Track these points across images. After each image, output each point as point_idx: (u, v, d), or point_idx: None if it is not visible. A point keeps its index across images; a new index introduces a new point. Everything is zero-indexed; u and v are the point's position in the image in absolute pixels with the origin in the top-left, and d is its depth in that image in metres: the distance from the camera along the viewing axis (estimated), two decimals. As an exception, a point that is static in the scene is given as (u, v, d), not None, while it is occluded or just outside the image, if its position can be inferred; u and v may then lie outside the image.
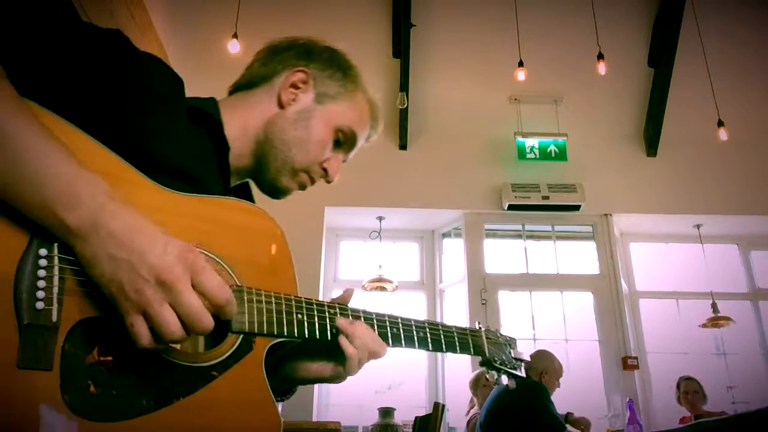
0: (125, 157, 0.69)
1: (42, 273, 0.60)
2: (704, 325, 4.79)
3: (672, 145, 5.24)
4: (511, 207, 5.00)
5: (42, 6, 0.68)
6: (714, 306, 4.77)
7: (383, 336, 0.89)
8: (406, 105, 4.84)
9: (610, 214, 5.16)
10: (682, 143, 5.24)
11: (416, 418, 2.53)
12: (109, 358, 0.63)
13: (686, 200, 5.14)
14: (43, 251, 0.60)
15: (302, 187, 1.02)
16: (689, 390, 4.17)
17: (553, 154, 5.04)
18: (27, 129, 0.59)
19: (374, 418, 3.61)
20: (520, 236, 5.27)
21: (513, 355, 1.13)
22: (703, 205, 5.13)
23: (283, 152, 0.96)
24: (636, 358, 4.73)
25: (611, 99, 5.23)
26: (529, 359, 1.18)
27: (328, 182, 1.02)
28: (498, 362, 1.09)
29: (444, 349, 0.98)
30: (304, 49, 1.02)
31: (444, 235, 5.42)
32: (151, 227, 0.63)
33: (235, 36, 3.99)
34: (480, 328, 1.08)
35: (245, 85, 1.01)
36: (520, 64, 4.39)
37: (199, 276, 0.63)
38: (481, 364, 1.09)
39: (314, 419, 4.32)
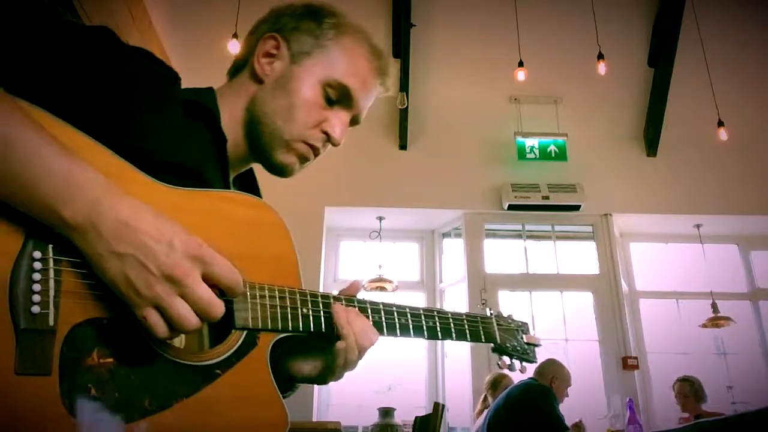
0: (122, 155, 0.68)
1: (37, 276, 0.58)
2: (704, 325, 4.79)
3: (672, 145, 5.24)
4: (511, 207, 5.00)
5: (29, 7, 0.68)
6: (714, 306, 4.77)
7: (390, 326, 0.87)
8: (406, 105, 4.84)
9: (610, 214, 5.16)
10: (682, 143, 5.24)
11: (416, 418, 2.53)
12: (110, 360, 0.62)
13: (686, 200, 5.14)
14: (37, 254, 0.59)
15: (304, 159, 0.93)
16: (681, 392, 4.17)
17: (553, 154, 5.04)
18: (18, 126, 0.58)
19: (374, 418, 3.61)
20: (520, 236, 5.27)
21: (525, 340, 1.10)
22: (703, 205, 5.13)
23: (269, 126, 0.90)
24: (636, 358, 4.73)
25: (611, 99, 5.23)
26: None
27: (335, 145, 0.93)
28: (510, 348, 1.05)
29: (454, 338, 0.95)
30: (275, 15, 0.96)
31: (444, 235, 5.42)
32: (153, 218, 0.62)
33: (235, 36, 3.98)
34: (491, 314, 1.04)
35: (231, 72, 0.99)
36: (520, 64, 4.39)
37: (209, 266, 0.64)
38: (494, 350, 1.06)
39: (314, 419, 4.32)
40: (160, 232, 0.62)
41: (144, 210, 0.62)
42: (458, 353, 4.89)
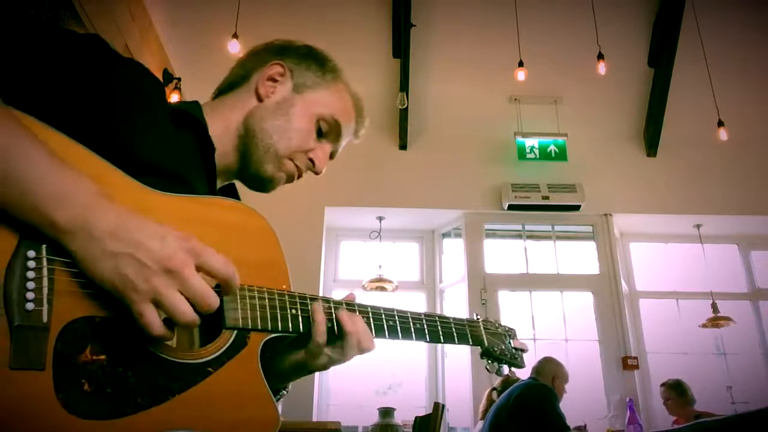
0: (110, 156, 0.69)
1: (31, 274, 0.60)
2: (704, 325, 4.79)
3: (672, 145, 5.24)
4: (511, 207, 5.00)
5: (19, 14, 0.68)
6: (714, 306, 4.77)
7: (378, 328, 0.89)
8: (406, 105, 4.84)
9: (610, 214, 5.16)
10: (682, 143, 5.24)
11: (416, 418, 2.53)
12: (102, 357, 0.63)
13: (686, 200, 5.14)
14: (31, 253, 0.60)
15: (290, 177, 1.01)
16: (663, 397, 4.18)
17: (553, 154, 5.04)
18: (11, 133, 0.59)
19: (374, 418, 3.61)
20: (520, 236, 5.27)
21: (513, 345, 1.12)
22: (703, 205, 5.13)
23: (264, 140, 0.96)
24: (636, 358, 4.73)
25: (611, 99, 5.23)
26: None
27: (316, 173, 1.02)
28: (498, 352, 1.08)
29: (442, 340, 0.98)
30: (280, 46, 1.04)
31: (444, 235, 5.42)
32: (144, 220, 0.64)
33: (235, 36, 3.98)
34: (478, 319, 1.08)
35: (226, 88, 1.04)
36: (520, 64, 4.39)
37: (203, 258, 0.65)
38: (482, 355, 1.09)
39: (314, 419, 4.32)
40: (151, 229, 0.63)
41: (133, 213, 0.64)
42: (458, 354, 4.89)
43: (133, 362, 0.65)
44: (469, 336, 1.02)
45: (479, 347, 1.06)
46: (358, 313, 0.88)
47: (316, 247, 4.89)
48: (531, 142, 5.07)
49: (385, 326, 0.90)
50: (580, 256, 5.19)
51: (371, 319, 0.89)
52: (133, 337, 0.65)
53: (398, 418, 3.63)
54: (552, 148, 5.06)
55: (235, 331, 0.75)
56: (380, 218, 5.19)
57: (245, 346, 0.76)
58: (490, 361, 1.10)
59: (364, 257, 5.23)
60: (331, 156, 1.06)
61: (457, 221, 5.22)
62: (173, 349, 0.70)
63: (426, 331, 0.95)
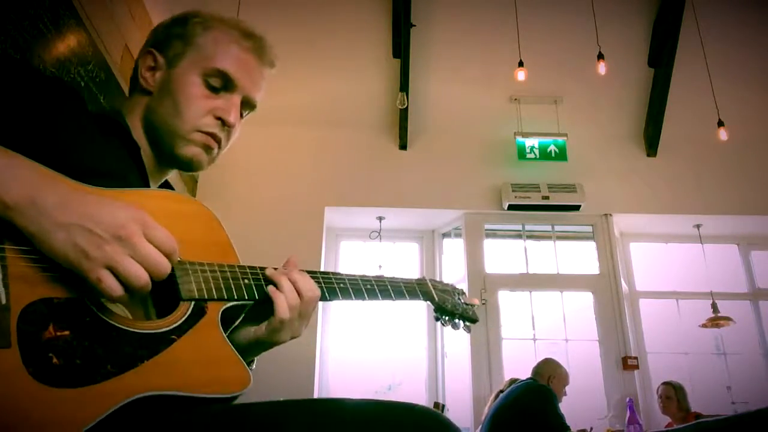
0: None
1: None
2: (704, 325, 4.79)
3: (672, 145, 5.24)
4: (511, 207, 5.00)
5: None
6: (714, 306, 4.77)
7: (331, 290, 0.92)
8: (406, 105, 4.83)
9: (610, 214, 5.16)
10: (682, 143, 5.24)
11: (416, 418, 2.52)
12: (66, 332, 0.64)
13: (686, 200, 5.14)
14: None
15: (207, 147, 0.98)
16: (662, 395, 4.18)
17: (553, 154, 5.04)
18: None
19: (374, 418, 3.60)
20: (520, 236, 5.27)
21: (464, 301, 1.17)
22: (703, 205, 5.13)
23: (163, 126, 0.96)
24: (636, 358, 4.73)
25: (611, 99, 5.23)
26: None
27: (229, 127, 0.97)
28: (450, 307, 1.12)
29: (393, 297, 1.01)
30: (151, 33, 1.04)
31: (444, 235, 5.42)
32: (90, 193, 0.67)
33: (235, 36, 3.98)
34: (423, 277, 1.12)
35: (129, 94, 1.05)
36: (520, 64, 4.39)
37: (150, 230, 0.68)
38: (435, 311, 1.13)
39: (314, 419, 4.32)
40: (99, 201, 0.66)
41: (79, 187, 0.68)
42: (458, 354, 4.89)
43: (97, 336, 0.66)
44: (419, 291, 1.07)
45: (431, 303, 1.10)
46: (308, 276, 0.90)
47: (316, 247, 4.89)
48: (531, 142, 5.07)
49: (337, 288, 0.93)
50: (580, 256, 5.19)
51: (322, 282, 0.92)
52: (94, 315, 0.67)
53: (398, 418, 3.62)
54: (552, 148, 5.06)
55: (192, 303, 0.77)
56: (380, 218, 5.19)
57: (204, 315, 0.78)
58: (445, 318, 1.14)
59: (364, 257, 5.23)
60: (248, 103, 1.01)
61: (457, 221, 5.22)
62: (133, 322, 0.72)
63: (377, 290, 0.98)
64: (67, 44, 2.99)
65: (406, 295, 1.03)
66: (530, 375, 3.65)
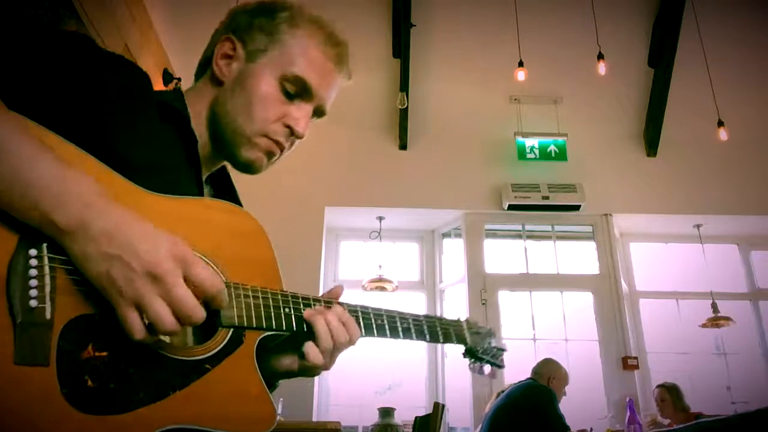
0: (100, 158, 0.70)
1: (33, 272, 0.60)
2: (704, 325, 4.79)
3: (672, 145, 5.24)
4: (511, 207, 5.00)
5: (12, 15, 0.70)
6: (714, 306, 4.77)
7: (367, 327, 0.90)
8: (406, 105, 4.84)
9: (610, 214, 5.16)
10: (682, 143, 5.24)
11: (416, 418, 2.53)
12: (104, 353, 0.64)
13: (686, 200, 5.14)
14: (33, 251, 0.61)
15: (270, 154, 0.94)
16: (657, 398, 4.19)
17: (553, 154, 5.04)
18: (12, 133, 0.60)
19: (374, 418, 3.61)
20: (520, 236, 5.27)
21: (494, 345, 1.16)
22: (703, 205, 5.13)
23: (230, 124, 0.91)
24: (636, 358, 4.73)
25: (611, 99, 5.23)
26: (506, 349, 1.22)
27: (298, 137, 0.93)
28: (480, 351, 1.12)
29: (427, 339, 1.00)
30: (231, 15, 0.97)
31: (444, 235, 5.42)
32: (141, 222, 0.64)
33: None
34: (459, 319, 1.11)
35: (196, 74, 1.00)
36: (520, 64, 4.39)
37: (191, 268, 0.65)
38: (465, 353, 1.12)
39: (314, 419, 4.32)
40: (145, 233, 0.63)
41: (133, 215, 0.64)
42: (458, 354, 4.88)
43: (134, 359, 0.66)
44: (453, 334, 1.05)
45: (462, 346, 1.09)
46: (347, 311, 0.88)
47: (316, 247, 4.89)
48: (531, 142, 5.07)
49: (374, 325, 0.92)
50: (580, 256, 5.19)
51: (360, 319, 0.90)
52: None
53: (398, 418, 3.63)
54: (552, 148, 5.06)
55: (231, 330, 0.76)
56: (380, 218, 5.19)
57: (241, 344, 0.77)
58: (472, 360, 1.14)
59: (364, 257, 5.23)
60: (319, 112, 0.97)
61: (457, 221, 5.22)
62: (171, 346, 0.71)
63: (412, 330, 0.97)
64: (67, 44, 2.99)
65: (440, 339, 1.01)
66: (530, 375, 3.65)
